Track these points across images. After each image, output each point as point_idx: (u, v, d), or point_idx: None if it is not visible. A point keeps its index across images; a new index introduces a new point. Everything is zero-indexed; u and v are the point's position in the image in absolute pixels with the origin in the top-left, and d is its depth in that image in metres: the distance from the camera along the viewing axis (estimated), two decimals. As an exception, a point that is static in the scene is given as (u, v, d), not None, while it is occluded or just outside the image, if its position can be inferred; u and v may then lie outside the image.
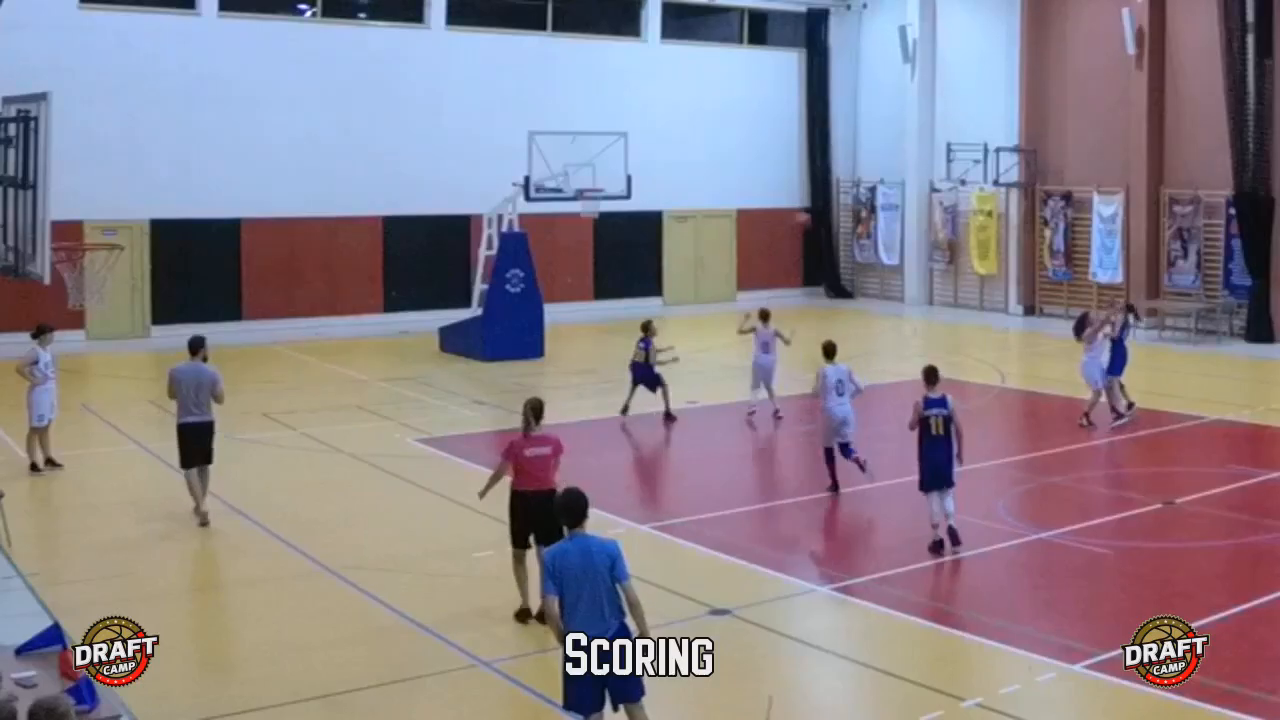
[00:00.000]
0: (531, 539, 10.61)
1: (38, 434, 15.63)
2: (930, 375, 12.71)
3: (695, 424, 19.68)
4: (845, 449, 14.97)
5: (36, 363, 15.55)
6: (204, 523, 13.40)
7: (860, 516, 14.57)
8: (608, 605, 7.60)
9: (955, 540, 12.35)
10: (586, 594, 7.57)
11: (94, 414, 18.85)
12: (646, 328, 19.30)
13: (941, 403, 12.42)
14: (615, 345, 22.36)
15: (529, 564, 10.44)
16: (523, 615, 10.67)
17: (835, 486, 14.83)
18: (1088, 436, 18.30)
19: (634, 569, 12.42)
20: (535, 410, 10.74)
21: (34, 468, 15.59)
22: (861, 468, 14.78)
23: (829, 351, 15.27)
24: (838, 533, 13.99)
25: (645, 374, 19.18)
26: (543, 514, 10.06)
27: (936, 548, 12.32)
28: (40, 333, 15.78)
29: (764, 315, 19.88)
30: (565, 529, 7.78)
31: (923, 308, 33.54)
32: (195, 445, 13.69)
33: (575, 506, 7.77)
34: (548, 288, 25.14)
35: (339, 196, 28.88)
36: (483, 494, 11.07)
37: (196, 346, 13.89)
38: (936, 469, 12.41)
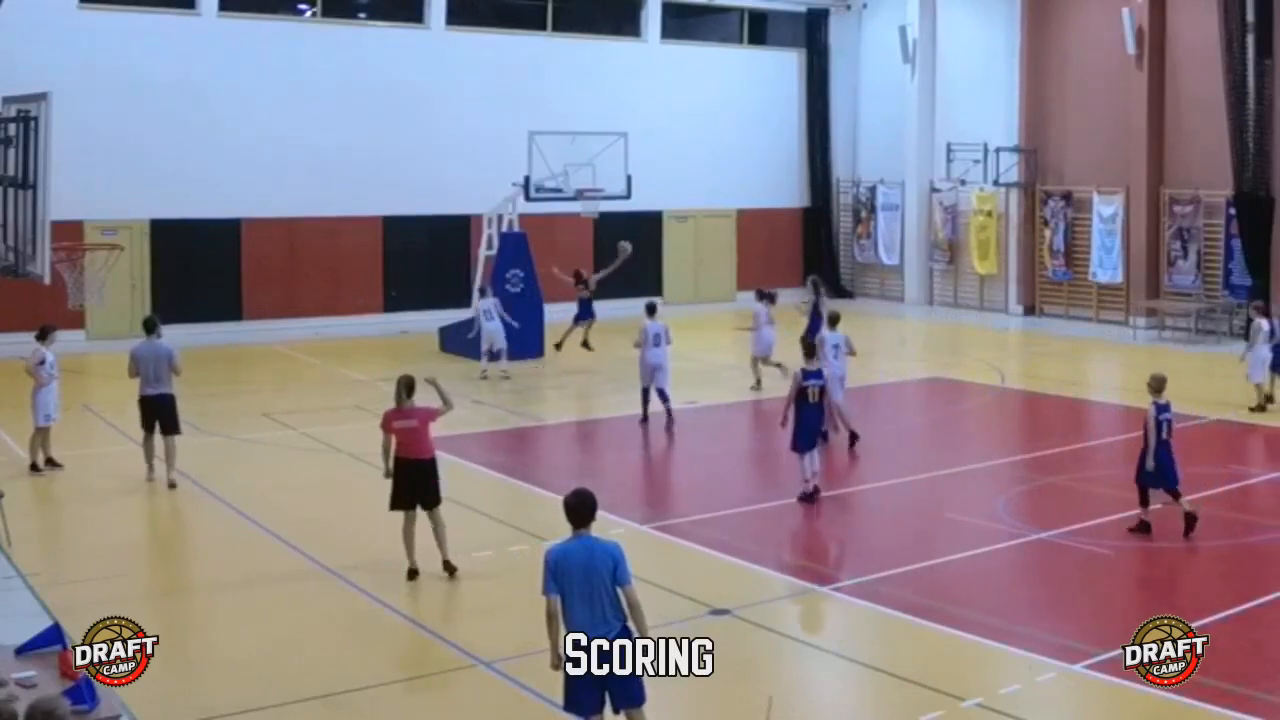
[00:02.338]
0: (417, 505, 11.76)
1: (42, 434, 15.67)
2: (809, 350, 14.81)
3: (695, 424, 19.68)
4: (661, 394, 18.56)
5: (44, 363, 15.60)
6: (171, 485, 14.88)
7: (860, 516, 14.58)
8: (609, 607, 7.55)
9: (815, 497, 14.12)
10: (588, 595, 7.52)
11: (94, 414, 18.84)
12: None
13: (818, 375, 14.30)
14: (615, 345, 22.34)
15: (423, 527, 11.75)
16: (412, 575, 11.69)
17: (645, 419, 18.56)
18: (1088, 436, 18.32)
19: (634, 569, 12.42)
20: (406, 386, 11.85)
21: (34, 468, 15.61)
22: (669, 416, 18.37)
23: (651, 310, 19.39)
24: (838, 533, 13.99)
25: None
26: (416, 479, 11.67)
27: (807, 498, 14.07)
28: (44, 333, 15.92)
29: (763, 295, 22.22)
30: (571, 529, 7.72)
31: (923, 308, 33.55)
32: (155, 415, 15.07)
33: (583, 507, 7.71)
34: (548, 288, 25.12)
35: (339, 196, 28.88)
36: (386, 472, 11.88)
37: (151, 326, 15.51)
38: (811, 432, 14.16)
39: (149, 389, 15.05)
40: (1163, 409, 13.05)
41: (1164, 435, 12.96)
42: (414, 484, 11.74)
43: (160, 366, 15.05)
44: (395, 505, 11.85)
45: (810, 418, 14.16)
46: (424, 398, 12.14)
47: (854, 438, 16.87)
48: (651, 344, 18.80)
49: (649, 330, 18.92)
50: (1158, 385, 13.14)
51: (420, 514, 11.81)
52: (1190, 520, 12.72)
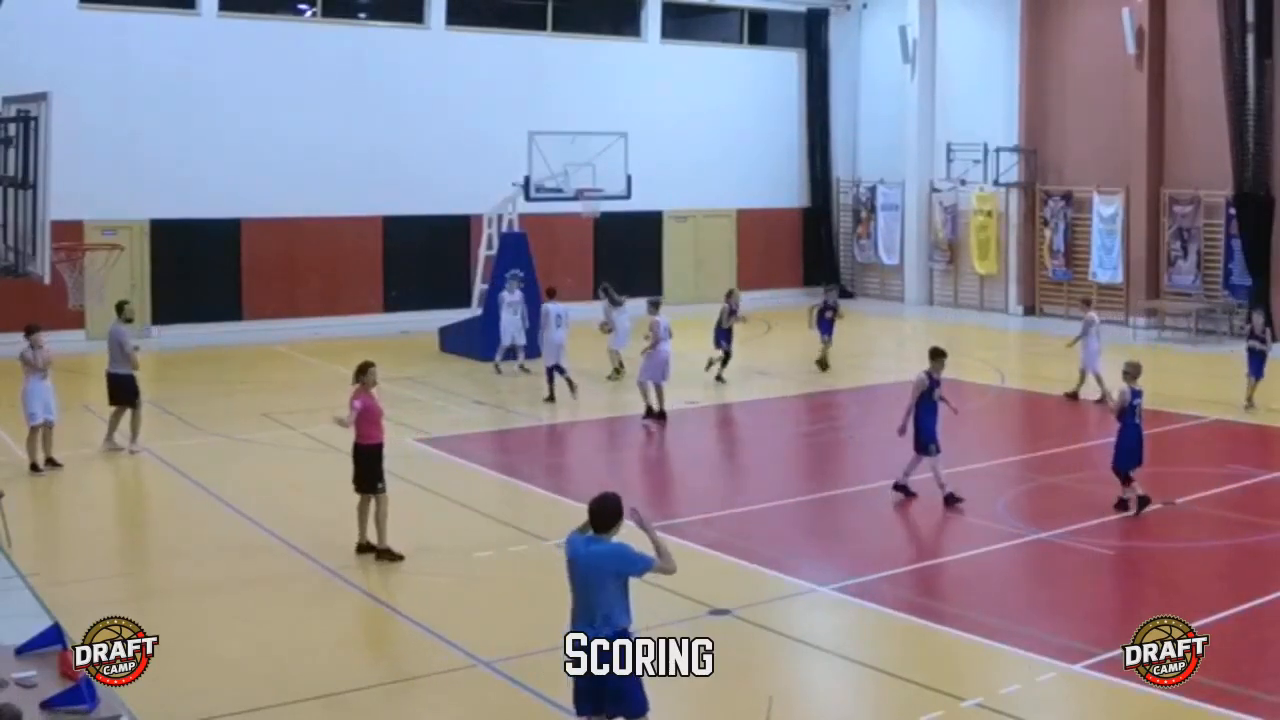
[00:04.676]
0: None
1: (36, 433, 15.67)
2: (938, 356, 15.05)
3: (695, 424, 19.70)
4: (559, 368, 20.43)
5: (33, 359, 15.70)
6: (133, 451, 16.43)
7: (860, 516, 14.58)
8: (606, 610, 7.45)
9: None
10: (584, 595, 7.50)
11: (94, 414, 18.82)
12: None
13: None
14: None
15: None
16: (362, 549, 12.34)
17: (551, 398, 20.11)
18: (1088, 436, 18.31)
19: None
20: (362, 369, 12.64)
21: (34, 468, 15.62)
22: (570, 385, 20.26)
23: (550, 293, 21.48)
24: (838, 533, 13.99)
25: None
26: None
27: (952, 500, 14.05)
28: (30, 332, 15.97)
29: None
30: (591, 530, 7.64)
31: (923, 308, 33.55)
32: (112, 389, 16.88)
33: (601, 513, 7.59)
34: (548, 288, 25.08)
35: (339, 196, 28.87)
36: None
37: (119, 308, 17.22)
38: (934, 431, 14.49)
39: (109, 367, 16.96)
40: (1136, 394, 13.92)
41: (1136, 419, 13.83)
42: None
43: (113, 347, 16.82)
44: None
45: (930, 419, 14.17)
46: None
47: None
48: (554, 325, 20.58)
49: (549, 311, 20.83)
50: (1134, 372, 14.02)
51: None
52: (1143, 502, 13.55)
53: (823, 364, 23.17)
